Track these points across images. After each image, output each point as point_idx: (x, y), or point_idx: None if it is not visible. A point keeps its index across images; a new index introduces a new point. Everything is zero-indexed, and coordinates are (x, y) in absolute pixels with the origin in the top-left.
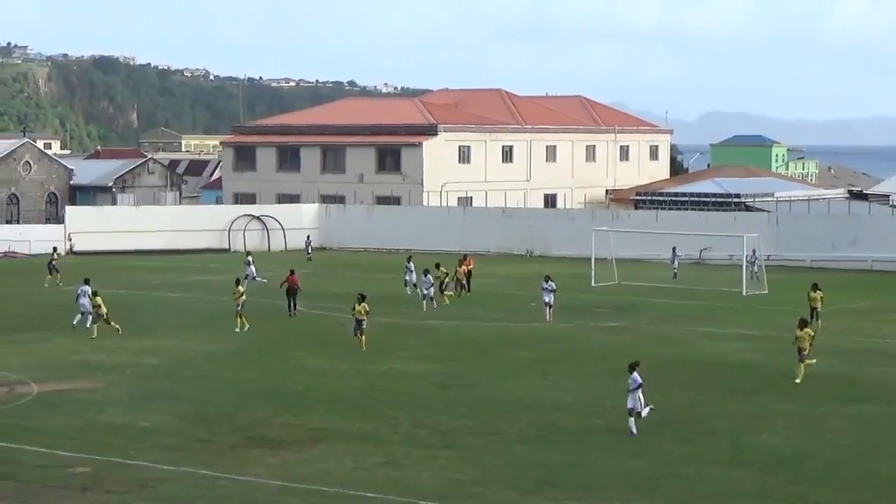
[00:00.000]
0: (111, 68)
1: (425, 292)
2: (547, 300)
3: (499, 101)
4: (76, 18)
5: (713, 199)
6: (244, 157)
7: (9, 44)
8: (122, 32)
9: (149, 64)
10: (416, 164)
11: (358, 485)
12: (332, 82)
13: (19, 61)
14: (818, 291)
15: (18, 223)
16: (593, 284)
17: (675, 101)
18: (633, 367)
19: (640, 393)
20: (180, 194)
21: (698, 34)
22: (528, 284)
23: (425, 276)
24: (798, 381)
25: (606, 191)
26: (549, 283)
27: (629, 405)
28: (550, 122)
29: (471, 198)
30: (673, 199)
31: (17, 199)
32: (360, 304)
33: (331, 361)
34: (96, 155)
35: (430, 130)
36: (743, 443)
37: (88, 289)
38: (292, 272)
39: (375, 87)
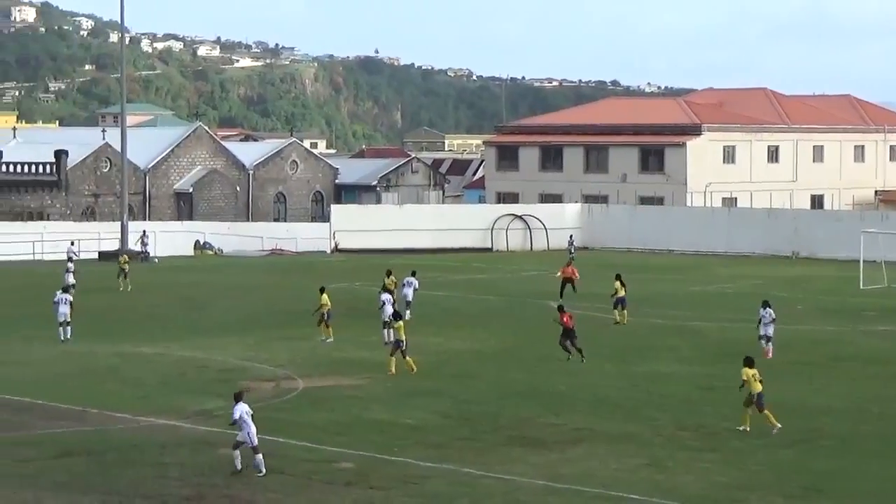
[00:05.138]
0: (376, 69)
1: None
2: (765, 333)
3: (764, 100)
4: (342, 20)
5: None
6: (507, 157)
7: (277, 45)
8: (386, 33)
9: (412, 64)
10: (680, 164)
11: (620, 486)
12: (594, 82)
13: (287, 62)
14: None
15: (285, 221)
16: (861, 287)
17: None
18: (238, 398)
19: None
20: (443, 193)
21: None
22: (793, 286)
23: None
24: (744, 428)
25: (875, 191)
26: (768, 310)
27: (238, 437)
28: (817, 122)
29: (735, 198)
30: None
31: (284, 197)
32: (396, 322)
33: (594, 362)
34: (361, 154)
35: (694, 130)
36: None
37: (68, 297)
38: (560, 309)
39: (639, 86)
